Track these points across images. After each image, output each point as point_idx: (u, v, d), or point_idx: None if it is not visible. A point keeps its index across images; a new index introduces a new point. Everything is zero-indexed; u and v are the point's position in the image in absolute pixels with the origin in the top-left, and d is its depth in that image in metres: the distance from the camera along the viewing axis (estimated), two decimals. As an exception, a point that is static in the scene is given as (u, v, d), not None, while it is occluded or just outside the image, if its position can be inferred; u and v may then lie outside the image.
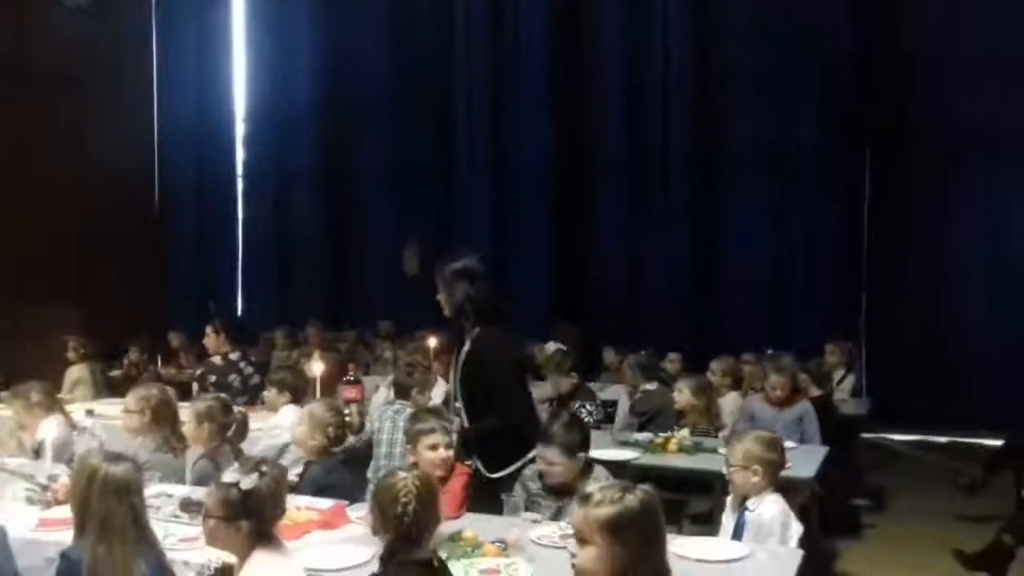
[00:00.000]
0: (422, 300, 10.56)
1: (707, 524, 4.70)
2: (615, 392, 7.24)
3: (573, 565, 2.32)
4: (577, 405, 5.91)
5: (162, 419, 4.34)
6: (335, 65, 11.76)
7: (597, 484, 2.36)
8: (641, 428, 5.71)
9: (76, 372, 7.73)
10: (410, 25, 11.36)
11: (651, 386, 6.23)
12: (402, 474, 2.80)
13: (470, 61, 11.25)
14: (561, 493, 3.72)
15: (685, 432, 5.25)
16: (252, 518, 2.70)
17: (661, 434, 5.24)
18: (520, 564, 3.08)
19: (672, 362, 7.70)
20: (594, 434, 5.24)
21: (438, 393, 6.30)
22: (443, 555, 3.14)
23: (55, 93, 9.80)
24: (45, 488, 3.87)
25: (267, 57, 12.20)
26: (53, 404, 4.95)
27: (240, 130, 12.36)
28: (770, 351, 6.71)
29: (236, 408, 4.53)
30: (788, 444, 4.24)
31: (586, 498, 2.30)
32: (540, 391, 7.15)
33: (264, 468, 2.78)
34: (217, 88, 12.23)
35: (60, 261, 9.65)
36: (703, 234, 10.30)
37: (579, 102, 10.67)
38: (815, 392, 6.11)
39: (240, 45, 12.35)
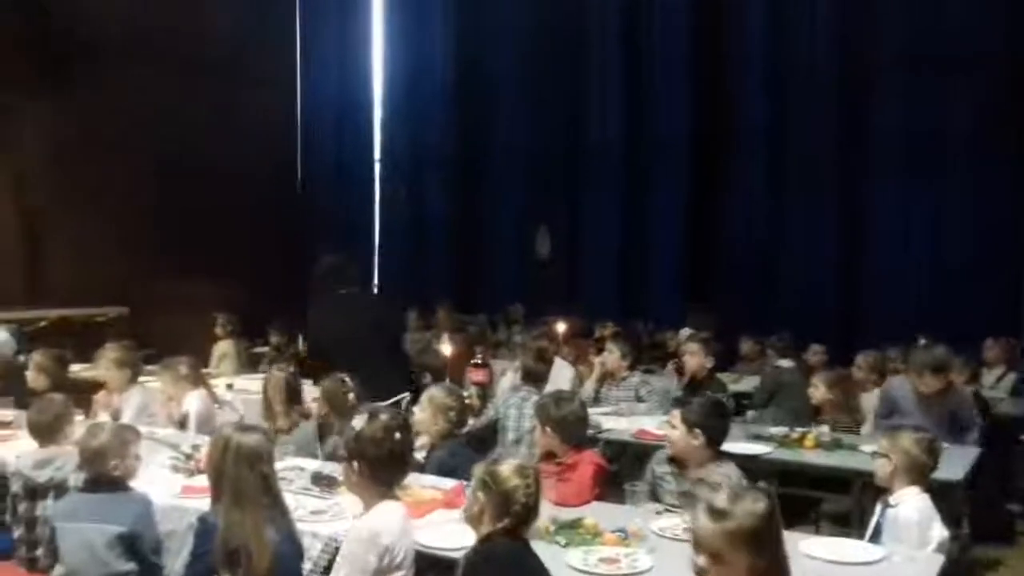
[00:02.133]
0: (552, 284, 10.73)
1: (845, 525, 4.49)
2: (749, 383, 7.04)
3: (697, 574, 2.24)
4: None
5: (286, 397, 4.49)
6: (469, 50, 11.87)
7: (722, 491, 2.23)
8: (764, 406, 5.50)
9: (222, 348, 8.10)
10: (544, 9, 11.31)
11: (782, 363, 6.00)
12: (515, 463, 2.79)
13: (604, 44, 11.10)
14: (683, 471, 3.70)
15: (824, 428, 5.01)
16: (364, 461, 2.93)
17: (798, 429, 5.03)
18: (640, 555, 3.01)
19: (816, 354, 7.41)
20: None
21: (566, 379, 6.27)
22: (561, 541, 3.12)
23: (206, 78, 10.32)
24: (188, 457, 4.07)
25: (404, 42, 12.46)
26: (199, 378, 5.20)
27: (378, 114, 12.67)
28: (923, 341, 6.31)
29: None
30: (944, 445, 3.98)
31: (720, 513, 2.19)
32: (668, 376, 7.04)
33: (382, 414, 3.06)
34: (356, 73, 12.60)
35: (210, 240, 10.16)
36: (848, 219, 9.80)
37: (717, 84, 10.35)
38: (965, 387, 5.72)
39: (379, 30, 12.65)
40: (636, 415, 5.52)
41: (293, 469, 3.95)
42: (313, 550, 3.23)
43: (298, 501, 3.51)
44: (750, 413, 6.33)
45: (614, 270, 10.98)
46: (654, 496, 3.79)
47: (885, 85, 9.48)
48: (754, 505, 2.18)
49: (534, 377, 5.14)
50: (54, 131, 9.91)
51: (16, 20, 9.36)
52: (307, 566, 3.18)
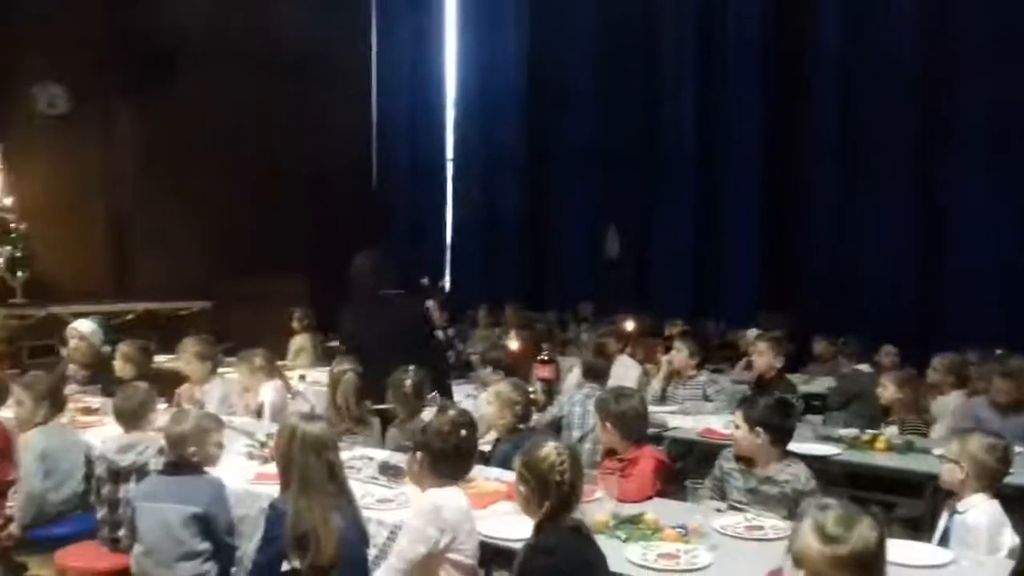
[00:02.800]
0: (622, 283, 10.70)
1: (917, 530, 4.38)
2: (821, 384, 6.92)
3: None
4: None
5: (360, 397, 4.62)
6: (541, 51, 11.92)
7: (833, 512, 2.21)
8: (839, 409, 5.41)
9: (299, 341, 8.31)
10: (616, 9, 11.28)
11: (860, 368, 5.89)
12: (550, 444, 2.84)
13: (677, 41, 11.02)
14: (750, 469, 3.68)
15: (893, 429, 4.91)
16: (427, 452, 3.03)
17: (868, 431, 4.93)
18: (700, 551, 3.01)
19: (888, 355, 7.23)
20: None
21: (632, 377, 6.27)
22: (622, 536, 3.15)
23: (285, 79, 10.59)
24: (263, 445, 4.22)
25: (477, 43, 12.58)
26: (273, 370, 5.37)
27: (450, 114, 12.82)
28: (999, 351, 6.12)
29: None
30: (1017, 448, 3.88)
31: (830, 538, 2.16)
32: (737, 374, 6.98)
33: (449, 409, 3.21)
34: (430, 73, 12.79)
35: (287, 237, 10.43)
36: (928, 217, 9.53)
37: (793, 80, 10.16)
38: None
39: (452, 31, 12.80)
40: (703, 414, 5.49)
41: (361, 458, 4.05)
42: (379, 537, 3.32)
43: (365, 489, 3.61)
44: (821, 415, 6.23)
45: (685, 269, 10.90)
46: (720, 493, 3.78)
47: (967, 77, 9.17)
48: (868, 533, 2.16)
49: (595, 373, 5.15)
50: (141, 132, 10.32)
51: (105, 25, 9.78)
52: (373, 552, 3.26)
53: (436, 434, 3.08)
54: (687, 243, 10.91)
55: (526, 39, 12.14)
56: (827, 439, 4.93)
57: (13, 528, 4.08)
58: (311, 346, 8.26)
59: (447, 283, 12.53)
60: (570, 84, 11.70)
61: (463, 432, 3.13)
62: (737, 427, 3.74)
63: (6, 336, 6.88)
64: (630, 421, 3.90)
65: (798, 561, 2.20)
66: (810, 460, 4.13)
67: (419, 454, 3.08)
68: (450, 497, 3.01)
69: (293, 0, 10.74)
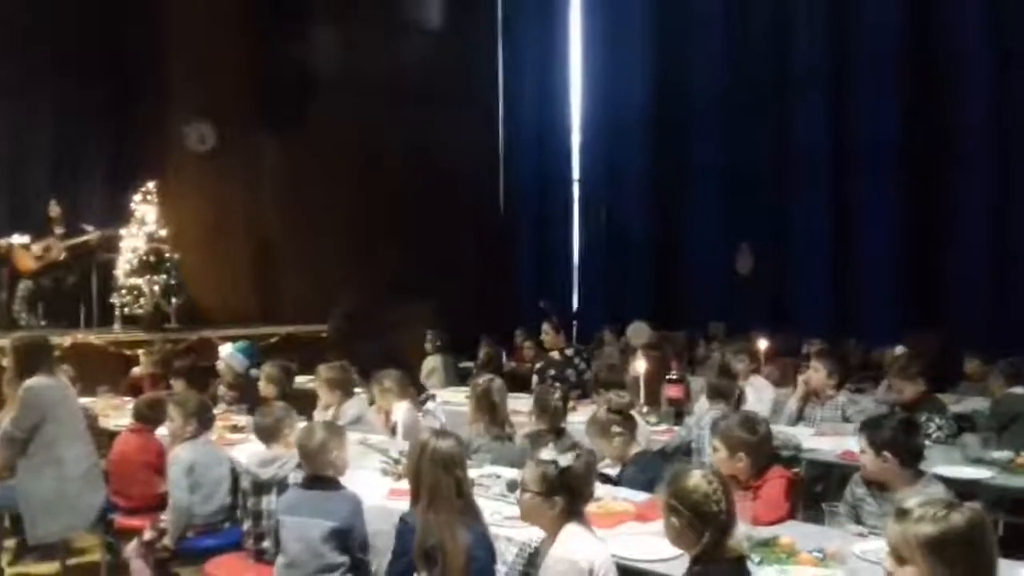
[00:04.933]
0: (756, 301, 10.42)
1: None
2: (973, 404, 6.52)
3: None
4: (924, 418, 5.37)
5: (484, 408, 4.67)
6: (667, 69, 11.83)
7: (918, 498, 2.15)
8: (996, 432, 5.06)
9: (431, 362, 8.49)
10: (743, 24, 11.08)
11: (1015, 390, 5.50)
12: (696, 472, 2.74)
13: (808, 52, 10.69)
14: (883, 494, 3.52)
15: (1055, 451, 4.57)
16: (566, 494, 2.86)
17: (1025, 452, 4.61)
18: (838, 576, 2.89)
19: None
20: (943, 450, 4.80)
21: (767, 399, 6.08)
22: (756, 559, 3.05)
23: (415, 106, 10.93)
24: (396, 462, 4.32)
25: (602, 63, 12.61)
26: (405, 390, 5.51)
27: (576, 137, 12.88)
28: None
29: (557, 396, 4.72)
30: None
31: (905, 513, 2.14)
32: (881, 395, 6.65)
33: (579, 449, 2.97)
34: (555, 97, 12.90)
35: (419, 261, 10.71)
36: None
37: (932, 85, 9.66)
38: None
39: (577, 52, 12.88)
40: (842, 435, 5.26)
41: (489, 476, 4.09)
42: (508, 554, 3.34)
43: (493, 507, 3.64)
44: (972, 436, 5.85)
45: (823, 285, 10.50)
46: (856, 518, 3.61)
47: None
48: (947, 512, 2.09)
49: (719, 392, 5.00)
50: (282, 164, 10.87)
51: (247, 62, 10.36)
52: (502, 570, 3.29)
53: (575, 476, 2.91)
54: (824, 258, 10.51)
55: (652, 57, 12.08)
56: (979, 462, 4.63)
57: (166, 540, 4.33)
58: (443, 366, 8.43)
59: (575, 304, 12.55)
60: (697, 101, 11.55)
61: (592, 466, 3.08)
62: (863, 452, 3.57)
63: (161, 359, 7.35)
64: (764, 449, 3.75)
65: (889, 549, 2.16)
66: (960, 484, 3.91)
67: (556, 498, 2.89)
68: (579, 542, 2.87)
69: (421, 31, 11.10)
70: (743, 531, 3.26)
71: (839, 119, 10.43)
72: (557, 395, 4.59)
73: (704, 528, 2.62)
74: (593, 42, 12.80)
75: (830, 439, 5.20)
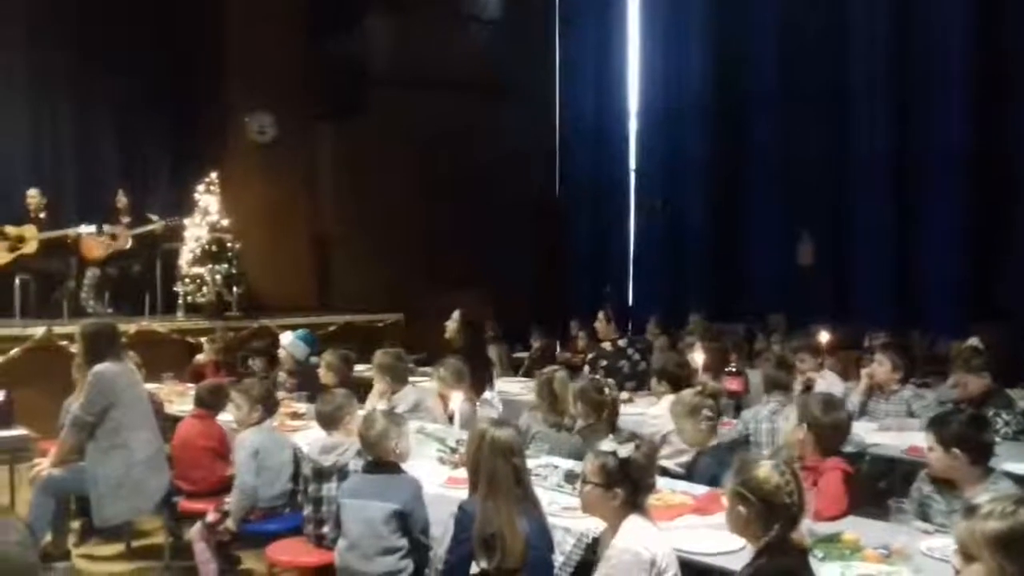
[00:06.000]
0: (818, 293, 10.22)
1: None
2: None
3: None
4: (992, 413, 5.22)
5: (545, 396, 4.69)
6: (725, 61, 11.62)
7: (987, 495, 2.09)
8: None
9: (489, 353, 8.50)
10: (802, 12, 10.83)
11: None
12: (766, 463, 2.69)
13: (870, 41, 10.41)
14: (952, 491, 3.43)
15: None
16: (627, 486, 2.84)
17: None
18: (903, 574, 2.82)
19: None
20: (1011, 446, 4.65)
21: (837, 392, 5.94)
22: (819, 555, 3.00)
23: (471, 97, 10.96)
24: (453, 451, 4.36)
25: (660, 53, 12.46)
26: (461, 379, 5.52)
27: (633, 127, 12.77)
28: None
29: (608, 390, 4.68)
30: None
31: (973, 510, 2.10)
32: (944, 391, 6.49)
33: (639, 440, 2.94)
34: (612, 87, 12.79)
35: (477, 251, 10.75)
36: None
37: (1000, 80, 9.32)
38: None
39: (635, 45, 12.76)
40: (907, 430, 5.14)
41: (547, 466, 4.09)
42: (565, 544, 3.34)
43: (551, 497, 3.64)
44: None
45: (887, 277, 10.24)
46: (923, 516, 3.53)
47: None
48: (1016, 508, 2.04)
49: (775, 384, 4.92)
50: (340, 155, 11.00)
51: (306, 54, 10.50)
52: (559, 559, 3.29)
53: (637, 467, 2.89)
54: (888, 248, 10.25)
55: (711, 48, 11.88)
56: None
57: (229, 523, 4.42)
58: (498, 356, 8.44)
59: (631, 295, 12.46)
60: (756, 90, 11.33)
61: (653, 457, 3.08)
62: (931, 449, 3.47)
63: (224, 347, 7.49)
64: (832, 433, 3.70)
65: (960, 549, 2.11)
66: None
67: (617, 489, 2.87)
68: (640, 534, 2.85)
69: (479, 22, 11.11)
70: (805, 526, 3.22)
71: (900, 107, 10.14)
72: (607, 389, 4.54)
73: (773, 519, 2.59)
74: (651, 30, 12.65)
75: (895, 435, 5.09)
